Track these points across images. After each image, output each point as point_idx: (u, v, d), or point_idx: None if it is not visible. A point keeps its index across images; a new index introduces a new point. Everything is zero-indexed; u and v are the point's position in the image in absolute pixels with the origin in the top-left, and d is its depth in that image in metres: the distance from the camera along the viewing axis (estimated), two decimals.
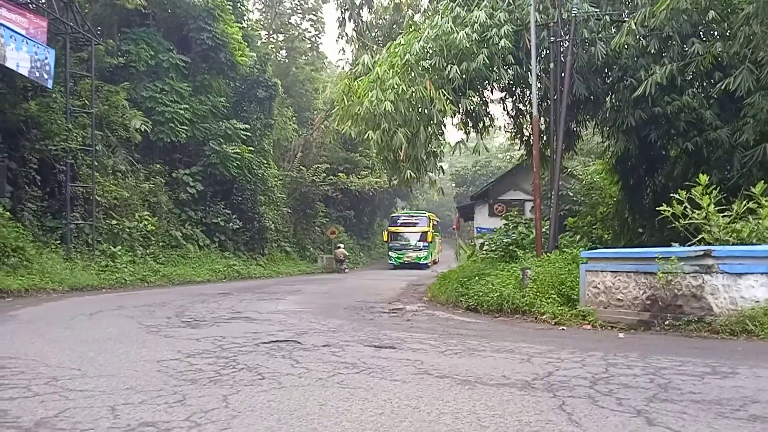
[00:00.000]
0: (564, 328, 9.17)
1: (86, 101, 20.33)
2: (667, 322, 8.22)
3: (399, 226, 41.40)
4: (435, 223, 47.70)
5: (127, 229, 20.92)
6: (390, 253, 40.79)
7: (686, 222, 9.31)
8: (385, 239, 41.98)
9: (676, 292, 8.20)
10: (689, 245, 9.01)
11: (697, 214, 9.23)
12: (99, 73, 21.40)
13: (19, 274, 14.87)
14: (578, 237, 15.07)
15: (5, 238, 15.18)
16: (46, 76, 17.27)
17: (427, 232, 40.57)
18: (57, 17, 18.14)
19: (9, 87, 17.38)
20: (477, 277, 13.05)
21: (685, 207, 9.34)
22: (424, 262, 39.67)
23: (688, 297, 8.09)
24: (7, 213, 15.73)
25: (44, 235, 17.89)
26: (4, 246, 15.00)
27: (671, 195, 9.94)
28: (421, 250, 40.01)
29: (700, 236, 9.20)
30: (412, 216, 43.24)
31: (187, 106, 25.14)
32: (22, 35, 16.11)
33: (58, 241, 18.14)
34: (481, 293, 11.62)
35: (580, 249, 12.29)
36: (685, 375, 5.34)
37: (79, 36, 19.56)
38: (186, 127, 24.95)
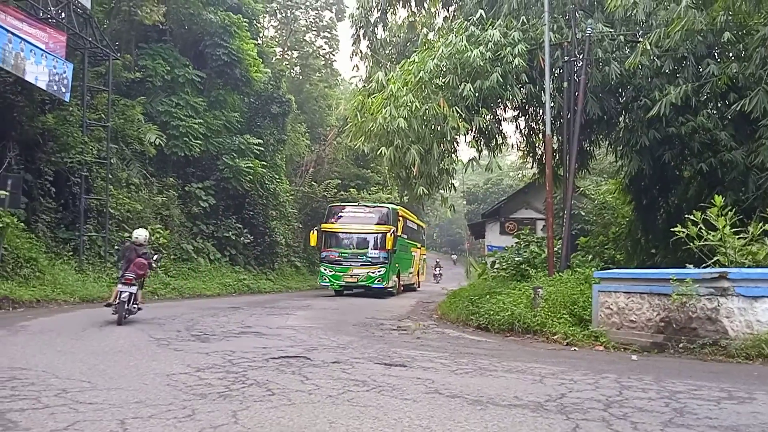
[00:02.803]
0: (576, 348, 9.08)
1: (102, 115, 20.54)
2: (681, 345, 8.11)
3: (339, 222, 24.72)
4: (413, 226, 31.17)
5: None
6: (322, 268, 24.24)
7: (701, 243, 9.23)
8: (313, 244, 24.90)
9: (691, 315, 8.10)
10: (704, 267, 8.91)
11: (713, 235, 9.14)
12: (116, 87, 21.65)
13: (31, 284, 14.93)
14: (590, 257, 14.96)
15: (19, 248, 15.26)
16: (63, 90, 17.49)
17: (386, 234, 23.47)
18: (76, 32, 18.38)
19: (27, 100, 17.58)
20: (488, 296, 12.97)
21: (700, 228, 9.26)
22: (380, 285, 23.33)
23: (703, 320, 7.99)
24: (22, 224, 15.82)
25: (57, 246, 17.99)
26: (17, 257, 15.08)
27: (685, 216, 9.87)
28: (374, 264, 23.37)
29: (715, 258, 9.11)
30: (363, 208, 25.79)
31: (201, 120, 25.32)
32: (42, 49, 16.34)
33: (71, 253, 18.23)
34: (491, 312, 11.54)
35: (593, 269, 12.19)
36: (700, 399, 5.26)
37: (98, 51, 19.80)
38: (200, 142, 25.12)
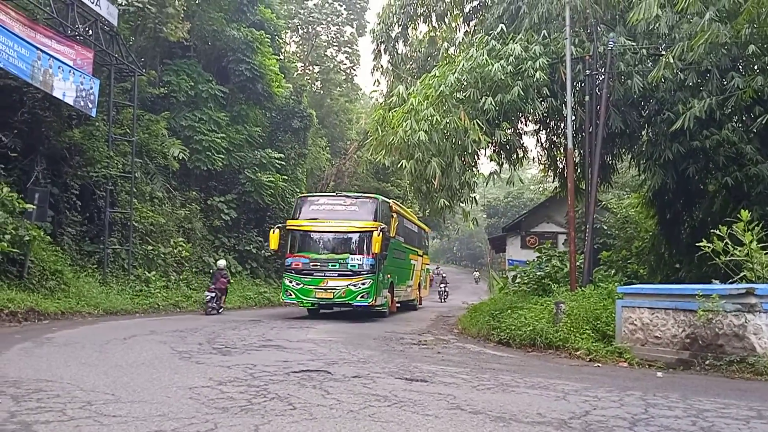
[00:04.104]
0: (599, 365, 8.96)
1: (127, 130, 20.90)
2: (707, 362, 7.97)
3: (309, 218, 18.48)
4: (412, 227, 25.07)
5: (162, 255, 21.23)
6: (286, 279, 18.23)
7: (727, 259, 9.08)
8: (274, 247, 19.06)
9: (717, 331, 7.96)
10: (730, 283, 8.77)
11: (739, 250, 9.00)
12: (141, 102, 22.01)
13: (56, 297, 15.15)
14: (613, 271, 14.79)
15: (45, 261, 15.52)
16: (90, 105, 17.82)
17: (372, 233, 17.47)
18: (103, 49, 18.75)
19: (55, 115, 17.96)
20: (509, 310, 12.87)
21: (726, 243, 9.12)
22: (364, 301, 17.50)
23: (730, 336, 7.84)
24: (48, 237, 16.08)
25: (82, 259, 18.26)
26: (43, 269, 15.33)
27: (710, 230, 9.73)
28: (356, 274, 17.35)
29: (741, 274, 8.96)
30: (342, 199, 19.22)
31: (224, 135, 25.63)
32: (70, 66, 16.70)
33: (95, 266, 18.49)
34: (513, 327, 11.45)
35: (616, 284, 12.05)
36: (729, 418, 5.15)
37: (124, 67, 20.18)
38: (222, 156, 25.42)
